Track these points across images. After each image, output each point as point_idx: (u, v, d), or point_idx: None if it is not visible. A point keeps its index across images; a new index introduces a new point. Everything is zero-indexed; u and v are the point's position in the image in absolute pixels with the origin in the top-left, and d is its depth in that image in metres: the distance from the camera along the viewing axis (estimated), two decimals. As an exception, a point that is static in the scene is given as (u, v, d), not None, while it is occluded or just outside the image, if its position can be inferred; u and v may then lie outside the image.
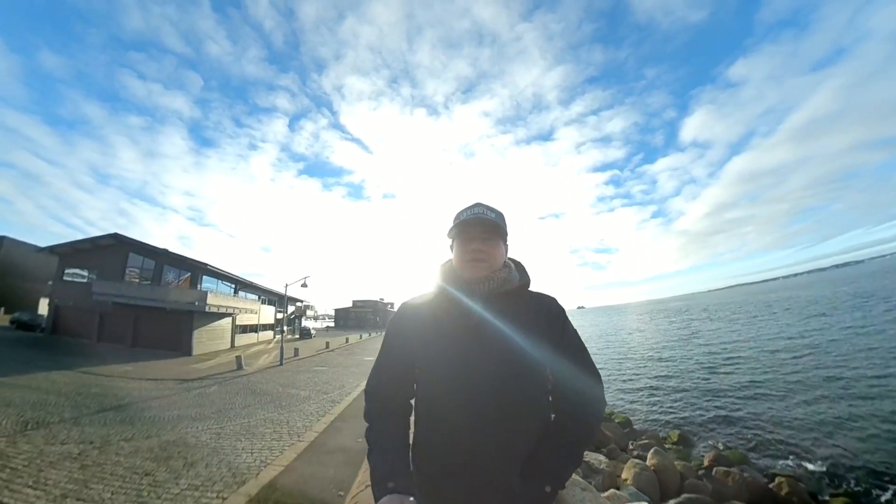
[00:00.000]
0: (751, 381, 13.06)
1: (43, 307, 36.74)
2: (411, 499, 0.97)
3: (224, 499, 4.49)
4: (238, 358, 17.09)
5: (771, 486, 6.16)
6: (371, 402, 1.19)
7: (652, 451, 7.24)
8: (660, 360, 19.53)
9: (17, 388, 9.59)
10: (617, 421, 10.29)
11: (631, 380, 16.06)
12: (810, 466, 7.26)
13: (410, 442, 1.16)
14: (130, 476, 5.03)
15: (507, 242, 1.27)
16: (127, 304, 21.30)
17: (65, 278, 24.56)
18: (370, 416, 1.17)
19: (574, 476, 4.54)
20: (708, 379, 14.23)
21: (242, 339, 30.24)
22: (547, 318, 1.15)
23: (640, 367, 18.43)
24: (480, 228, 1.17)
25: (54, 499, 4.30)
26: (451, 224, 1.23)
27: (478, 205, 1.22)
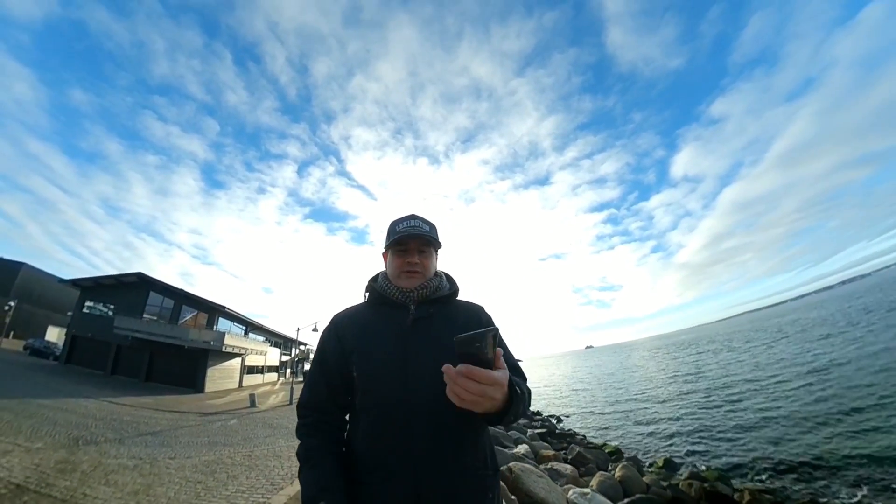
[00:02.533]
0: (754, 412, 12.55)
1: (51, 335, 37.59)
2: None
3: (269, 499, 5.21)
4: (251, 396, 17.61)
5: (735, 496, 6.38)
6: (305, 417, 1.16)
7: (620, 465, 7.48)
8: (662, 397, 19.01)
9: (56, 411, 10.30)
10: (607, 451, 10.35)
11: (634, 416, 15.64)
12: (789, 485, 7.14)
13: (345, 453, 1.13)
14: (185, 483, 5.77)
15: (438, 254, 1.31)
16: (145, 340, 22.10)
17: (84, 310, 25.53)
18: (302, 431, 1.15)
19: (527, 465, 5.21)
20: (711, 412, 13.82)
21: (249, 380, 30.49)
22: (475, 321, 1.20)
23: (643, 404, 18.20)
24: (417, 242, 1.22)
25: (127, 494, 5.06)
26: (387, 238, 1.26)
27: (413, 217, 1.26)
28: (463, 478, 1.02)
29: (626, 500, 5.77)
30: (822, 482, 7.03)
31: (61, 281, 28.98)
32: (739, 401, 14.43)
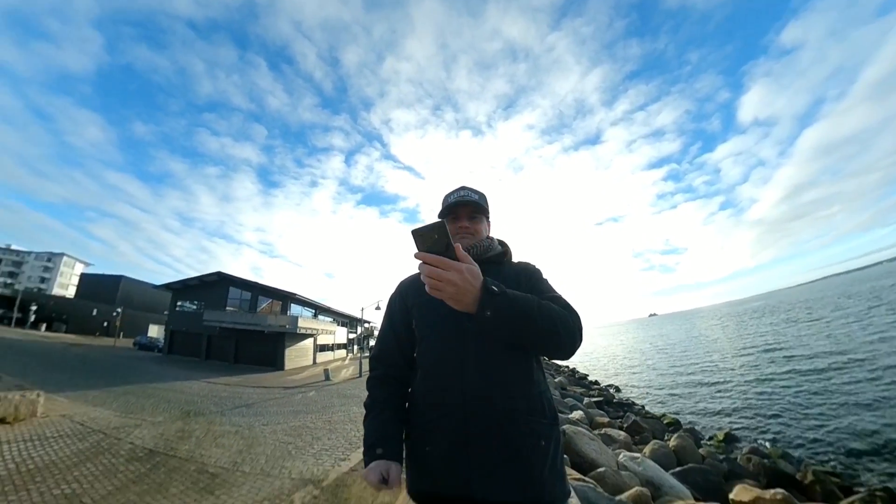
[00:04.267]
0: (832, 392, 11.21)
1: (152, 332, 43.21)
2: (396, 464, 1.07)
3: (348, 455, 5.99)
4: (326, 371, 19.33)
5: (796, 475, 5.85)
6: (374, 370, 1.30)
7: (676, 434, 7.30)
8: (728, 370, 17.53)
9: (167, 391, 12.09)
10: (665, 421, 10.07)
11: (696, 389, 14.91)
12: (860, 471, 6.51)
13: (407, 406, 1.24)
14: (278, 444, 6.72)
15: (490, 220, 1.41)
16: (230, 328, 24.75)
17: (177, 309, 28.96)
18: (371, 382, 1.29)
19: (580, 428, 5.40)
20: (781, 389, 12.51)
21: (322, 357, 33.04)
22: (526, 275, 1.29)
23: (706, 376, 16.85)
24: (468, 209, 1.33)
25: (234, 453, 6.02)
26: (441, 209, 1.36)
27: (463, 188, 1.37)
28: (511, 420, 1.05)
29: (678, 469, 5.62)
30: (887, 463, 6.51)
31: (155, 287, 33.20)
32: (816, 379, 12.95)
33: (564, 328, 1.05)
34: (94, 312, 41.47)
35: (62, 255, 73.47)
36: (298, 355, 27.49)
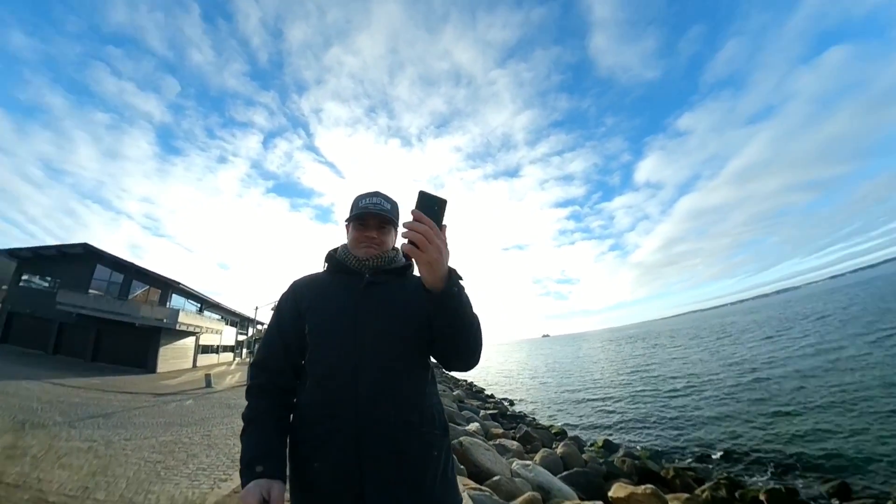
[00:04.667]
0: (690, 405, 13.73)
1: None
2: (278, 483, 0.97)
3: (230, 475, 5.46)
4: (207, 376, 17.40)
5: (661, 472, 7.23)
6: (257, 377, 1.20)
7: (562, 442, 8.59)
8: (608, 386, 20.79)
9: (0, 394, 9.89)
10: (553, 431, 11.54)
11: (581, 402, 17.28)
12: (711, 466, 8.31)
13: (292, 418, 1.16)
14: (143, 463, 5.87)
15: (398, 231, 1.34)
16: (92, 317, 21.03)
17: (21, 284, 23.77)
18: (252, 392, 1.18)
19: (477, 439, 5.93)
20: (650, 403, 15.14)
21: (204, 360, 29.78)
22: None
23: (591, 392, 19.78)
24: (378, 219, 1.27)
25: (85, 476, 5.12)
26: (350, 211, 1.31)
27: (376, 194, 1.30)
28: (406, 433, 1.04)
29: (564, 473, 6.50)
30: (740, 466, 8.15)
31: None
32: (678, 394, 15.80)
33: (480, 330, 1.07)
34: None
35: None
36: (176, 356, 24.37)
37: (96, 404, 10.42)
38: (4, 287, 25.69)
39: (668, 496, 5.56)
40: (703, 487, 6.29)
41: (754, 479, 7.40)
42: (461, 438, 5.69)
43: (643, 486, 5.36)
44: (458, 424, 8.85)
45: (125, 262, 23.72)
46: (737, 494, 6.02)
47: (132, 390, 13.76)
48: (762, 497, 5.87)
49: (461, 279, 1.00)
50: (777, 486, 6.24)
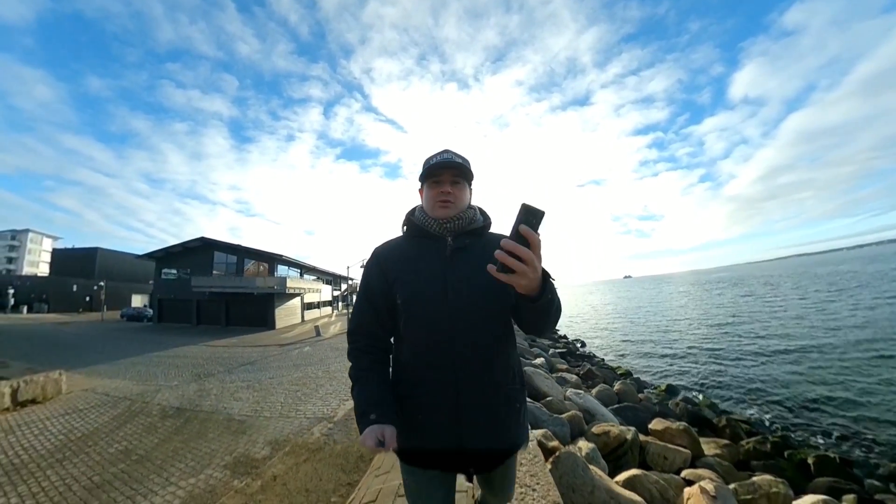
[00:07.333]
0: (770, 362, 12.53)
1: (136, 302, 43.33)
2: (390, 427, 1.09)
3: (350, 398, 7.11)
4: (316, 327, 20.53)
5: (713, 420, 7.05)
6: (355, 342, 1.27)
7: (619, 381, 8.91)
8: (686, 333, 19.76)
9: (171, 357, 13.00)
10: (619, 372, 11.81)
11: (655, 347, 16.88)
12: (770, 421, 7.84)
13: (393, 376, 1.27)
14: (287, 392, 7.82)
15: (472, 187, 1.35)
16: (219, 293, 25.44)
17: (162, 277, 29.15)
18: (353, 354, 1.26)
19: (539, 371, 6.91)
20: (728, 355, 14.08)
21: (309, 315, 34.14)
22: None
23: (667, 336, 19.21)
24: (450, 172, 1.25)
25: (252, 403, 7.07)
26: (422, 172, 1.29)
27: (446, 151, 1.29)
28: (495, 391, 1.18)
29: (615, 406, 6.87)
30: (803, 425, 7.62)
31: (138, 257, 33.04)
32: (760, 349, 14.24)
33: (560, 311, 1.11)
34: (74, 288, 41.08)
35: (27, 231, 70.19)
36: (288, 314, 28.53)
37: (240, 357, 13.28)
38: (151, 282, 31.78)
39: (705, 439, 5.69)
40: (749, 440, 5.98)
41: (817, 441, 6.80)
42: (526, 368, 6.56)
43: (678, 423, 5.58)
44: (526, 359, 9.51)
45: (235, 245, 27.73)
46: (786, 454, 5.72)
47: (262, 344, 17.06)
48: (810, 461, 5.44)
49: (554, 284, 1.04)
50: (831, 455, 5.55)
